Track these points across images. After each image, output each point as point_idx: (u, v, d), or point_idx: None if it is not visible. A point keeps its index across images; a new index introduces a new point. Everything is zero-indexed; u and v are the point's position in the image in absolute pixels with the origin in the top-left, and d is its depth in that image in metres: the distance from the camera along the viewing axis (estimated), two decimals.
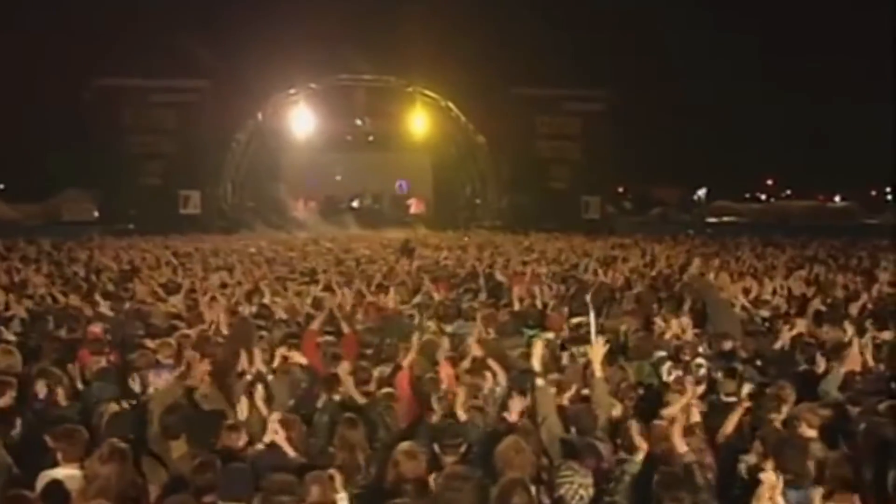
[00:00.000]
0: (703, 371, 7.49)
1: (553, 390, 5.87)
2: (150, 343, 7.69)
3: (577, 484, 4.09)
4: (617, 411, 5.81)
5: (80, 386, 6.78)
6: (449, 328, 9.41)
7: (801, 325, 9.17)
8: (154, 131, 35.06)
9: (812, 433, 5.63)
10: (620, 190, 61.31)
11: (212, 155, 35.44)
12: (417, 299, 10.95)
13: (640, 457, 4.30)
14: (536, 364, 5.75)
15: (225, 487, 3.92)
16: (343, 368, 5.50)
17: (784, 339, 7.98)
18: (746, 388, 6.71)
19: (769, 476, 3.78)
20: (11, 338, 8.11)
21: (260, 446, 4.76)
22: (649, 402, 6.76)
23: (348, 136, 38.05)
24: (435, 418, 5.60)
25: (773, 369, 7.34)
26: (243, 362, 6.56)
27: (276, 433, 4.70)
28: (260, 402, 5.35)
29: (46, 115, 36.00)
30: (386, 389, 6.40)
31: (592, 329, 6.78)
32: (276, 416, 4.82)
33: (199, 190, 35.75)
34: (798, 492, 4.29)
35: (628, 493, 4.06)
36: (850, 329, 8.55)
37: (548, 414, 5.38)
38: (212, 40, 33.29)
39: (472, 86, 34.40)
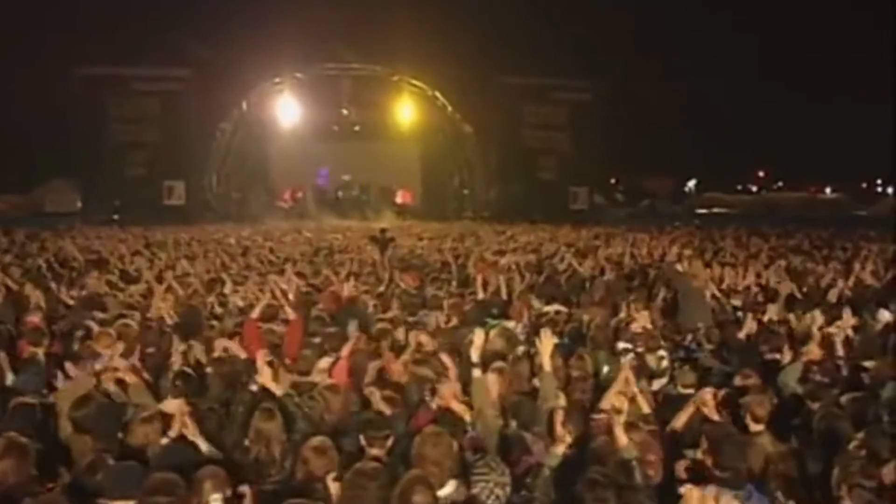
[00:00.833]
0: (665, 362, 7.25)
1: (494, 381, 5.58)
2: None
3: (493, 483, 3.83)
4: (562, 403, 5.52)
5: (9, 377, 6.46)
6: (412, 318, 9.18)
7: (772, 313, 8.96)
8: (137, 121, 34.65)
9: (758, 427, 5.38)
10: (612, 181, 61.33)
11: (196, 145, 35.01)
12: (381, 288, 10.67)
13: (560, 450, 4.00)
14: (474, 355, 5.47)
15: (111, 486, 3.64)
16: (260, 356, 5.21)
17: (749, 327, 7.70)
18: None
19: (691, 493, 3.50)
20: None
21: (165, 440, 4.47)
22: (602, 394, 6.56)
23: (334, 126, 37.64)
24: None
25: (736, 359, 7.06)
26: (177, 352, 6.27)
27: (185, 426, 4.42)
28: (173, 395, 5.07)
29: (28, 105, 35.50)
30: (328, 381, 6.14)
31: None
32: (180, 407, 4.53)
33: (184, 180, 35.37)
34: (733, 493, 4.02)
35: (546, 488, 3.78)
36: (819, 318, 8.35)
37: (483, 406, 5.10)
38: (196, 28, 32.90)
39: (459, 75, 34.03)
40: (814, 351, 6.41)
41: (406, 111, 35.88)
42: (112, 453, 4.45)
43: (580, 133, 36.53)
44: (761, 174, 67.44)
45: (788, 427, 5.39)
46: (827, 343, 7.26)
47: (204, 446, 4.48)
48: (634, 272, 12.51)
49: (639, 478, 3.80)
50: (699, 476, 4.19)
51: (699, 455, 4.68)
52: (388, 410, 4.80)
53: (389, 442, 4.49)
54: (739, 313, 9.59)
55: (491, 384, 5.62)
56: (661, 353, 7.34)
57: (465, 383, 5.77)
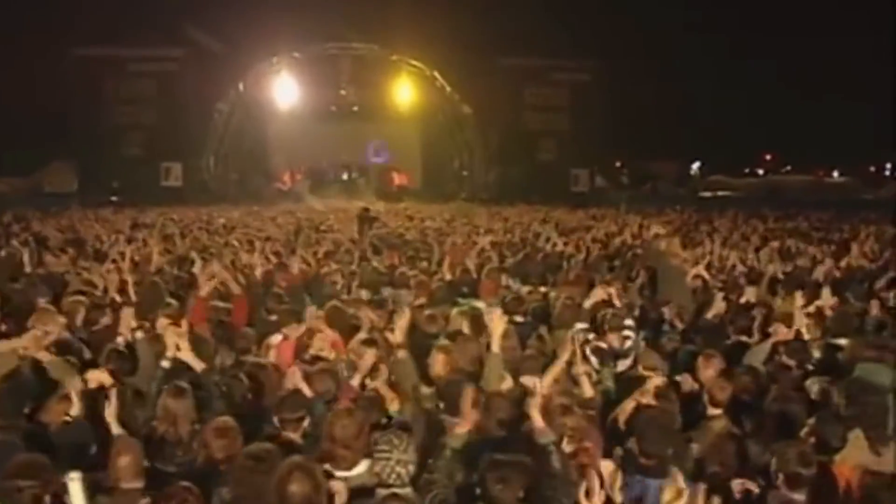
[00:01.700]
0: (629, 343, 6.94)
1: (438, 361, 5.32)
2: None
3: (395, 461, 3.56)
4: (508, 385, 5.24)
5: None
6: (377, 296, 8.93)
7: (750, 295, 8.66)
8: (134, 102, 34.45)
9: (716, 411, 5.10)
10: (618, 164, 60.81)
11: (193, 126, 34.75)
12: (353, 267, 10.39)
13: (463, 430, 3.71)
14: (398, 335, 5.22)
15: None
16: (174, 332, 4.94)
17: (718, 308, 7.39)
18: None
19: (606, 466, 3.24)
20: None
21: (67, 418, 4.23)
22: None
23: (332, 107, 37.23)
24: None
25: (701, 340, 6.76)
26: (122, 328, 6.03)
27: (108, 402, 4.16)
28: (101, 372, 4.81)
29: (25, 87, 35.22)
30: (267, 359, 5.90)
31: None
32: (77, 384, 4.29)
33: (181, 162, 35.15)
34: (648, 481, 3.75)
35: (447, 469, 3.49)
36: (800, 299, 8.04)
37: (407, 388, 4.84)
38: (191, 8, 32.54)
39: (457, 55, 33.57)
40: (781, 331, 6.10)
41: (405, 92, 35.44)
42: (18, 431, 4.24)
43: (581, 115, 36.06)
44: (768, 157, 66.64)
45: (744, 412, 5.10)
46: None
47: (114, 426, 4.24)
48: (618, 252, 12.19)
49: (555, 463, 3.51)
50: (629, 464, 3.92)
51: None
52: (308, 390, 4.51)
53: (305, 423, 4.22)
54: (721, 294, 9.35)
55: (434, 363, 5.36)
56: (627, 332, 7.04)
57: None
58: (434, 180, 39.34)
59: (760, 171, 66.30)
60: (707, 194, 46.99)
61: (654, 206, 27.99)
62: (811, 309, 7.63)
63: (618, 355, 6.74)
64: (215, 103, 35.07)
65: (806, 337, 6.67)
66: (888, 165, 60.18)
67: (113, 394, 4.27)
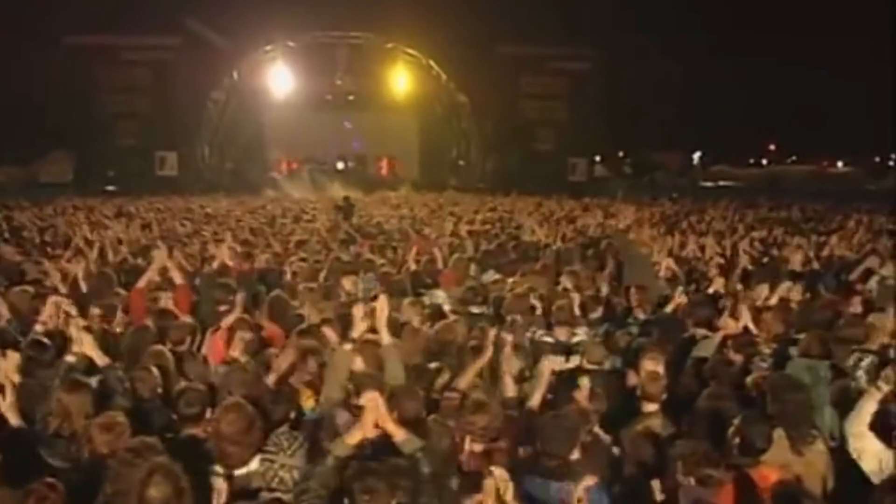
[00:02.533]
0: (577, 338, 6.72)
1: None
2: None
3: (279, 464, 3.37)
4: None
5: None
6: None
7: (718, 285, 8.45)
8: (128, 90, 34.27)
9: (652, 407, 4.90)
10: (621, 154, 60.41)
11: (188, 115, 34.58)
12: (319, 257, 10.21)
13: (354, 439, 3.41)
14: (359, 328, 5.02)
15: None
16: (76, 324, 4.77)
17: (678, 300, 7.17)
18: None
19: (496, 473, 3.04)
20: None
21: None
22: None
23: (328, 96, 36.98)
24: None
25: (657, 332, 6.55)
26: (44, 317, 5.86)
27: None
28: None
29: (20, 77, 35.06)
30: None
31: None
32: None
33: (176, 151, 35.01)
34: (550, 483, 3.56)
35: (324, 479, 3.27)
36: (765, 290, 7.83)
37: (330, 380, 4.65)
38: None
39: (453, 43, 33.23)
40: (730, 325, 5.88)
41: (401, 80, 35.18)
42: None
43: (579, 104, 35.71)
44: (772, 148, 66.06)
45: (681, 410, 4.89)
46: (755, 316, 6.78)
47: (13, 418, 4.08)
48: (595, 241, 11.97)
49: (424, 469, 3.30)
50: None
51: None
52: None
53: (206, 417, 4.04)
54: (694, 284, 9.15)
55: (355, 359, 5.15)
56: (579, 328, 6.82)
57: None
58: (432, 169, 39.09)
59: (764, 162, 65.86)
60: (709, 184, 46.66)
61: (650, 196, 27.72)
62: (773, 301, 7.44)
63: (569, 350, 6.56)
64: (210, 92, 34.86)
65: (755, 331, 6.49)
66: (893, 156, 59.54)
67: (8, 387, 4.10)
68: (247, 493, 3.43)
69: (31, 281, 8.37)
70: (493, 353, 5.81)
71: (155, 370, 4.62)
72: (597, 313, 7.73)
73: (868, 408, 4.14)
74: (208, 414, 4.06)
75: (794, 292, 7.45)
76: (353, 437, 3.32)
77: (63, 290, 7.41)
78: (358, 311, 5.06)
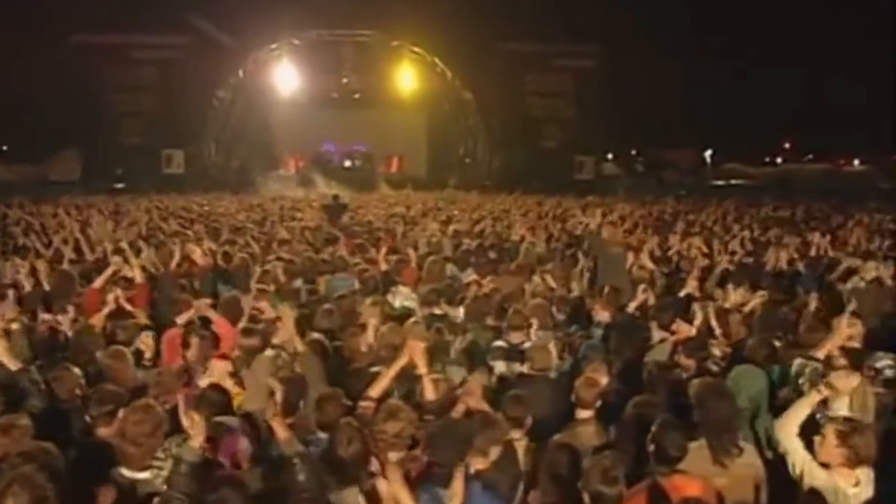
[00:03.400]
0: (530, 342, 6.55)
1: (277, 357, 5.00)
2: None
3: (167, 470, 3.28)
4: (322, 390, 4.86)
5: None
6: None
7: (691, 288, 8.27)
8: (135, 89, 34.43)
9: (586, 413, 4.74)
10: (633, 152, 59.98)
11: (195, 113, 34.67)
12: (297, 256, 10.11)
13: (195, 443, 3.34)
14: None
15: None
16: None
17: (640, 301, 7.00)
18: None
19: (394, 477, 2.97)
20: None
21: None
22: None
23: (334, 94, 36.93)
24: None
25: (615, 336, 6.39)
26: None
27: None
28: None
29: (29, 75, 35.31)
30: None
31: None
32: None
33: (183, 149, 35.12)
34: (438, 490, 3.43)
35: (181, 484, 3.17)
36: (732, 293, 7.66)
37: (250, 386, 4.55)
38: None
39: (458, 41, 33.04)
40: (682, 328, 5.71)
41: (407, 78, 35.07)
42: None
43: (585, 101, 35.44)
44: (787, 145, 65.23)
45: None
46: (721, 320, 6.62)
47: None
48: (577, 241, 11.79)
49: (300, 476, 3.21)
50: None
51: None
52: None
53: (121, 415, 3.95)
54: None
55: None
56: (537, 332, 6.65)
57: None
58: (439, 167, 38.96)
59: (779, 160, 65.05)
60: (720, 182, 46.15)
61: (654, 194, 27.43)
62: (744, 303, 7.27)
63: (522, 354, 6.39)
64: (215, 90, 34.93)
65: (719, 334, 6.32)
66: None
67: None
68: (148, 498, 3.33)
69: None
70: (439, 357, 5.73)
71: (76, 370, 4.54)
72: (563, 315, 7.59)
73: (801, 411, 3.97)
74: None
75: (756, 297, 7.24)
76: (196, 440, 3.26)
77: (28, 288, 7.37)
78: (288, 314, 4.97)
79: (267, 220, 15.27)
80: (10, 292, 7.22)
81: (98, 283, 6.90)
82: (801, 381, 4.71)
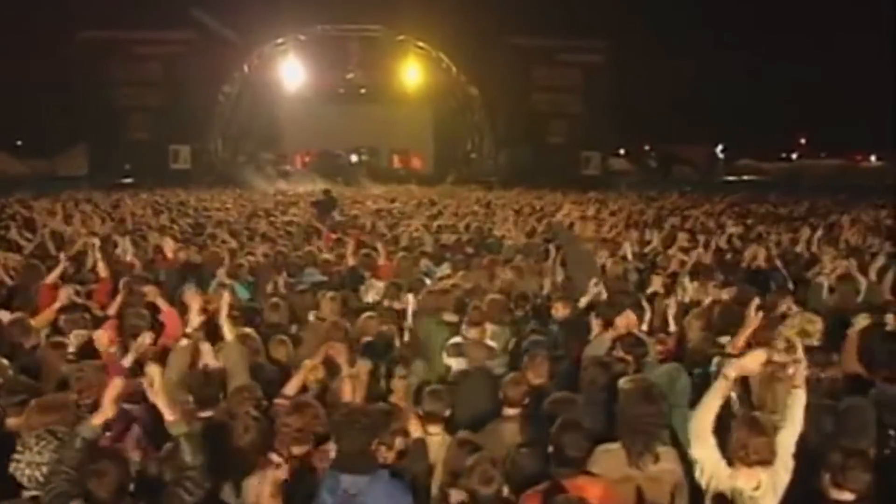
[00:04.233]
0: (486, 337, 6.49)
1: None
2: None
3: (25, 462, 3.25)
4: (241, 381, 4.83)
5: None
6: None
7: (657, 285, 8.17)
8: (141, 84, 34.60)
9: (511, 411, 4.68)
10: (647, 148, 59.59)
11: (201, 108, 34.81)
12: (271, 251, 10.10)
13: (99, 420, 3.34)
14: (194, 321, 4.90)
15: None
16: None
17: (591, 295, 6.91)
18: None
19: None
20: None
21: None
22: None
23: (340, 89, 36.97)
24: None
25: (562, 333, 6.31)
26: None
27: None
28: None
29: (35, 71, 35.65)
30: None
31: None
32: None
33: (189, 144, 35.30)
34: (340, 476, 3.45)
35: (76, 459, 3.16)
36: (689, 288, 7.56)
37: (168, 376, 4.53)
38: None
39: (464, 35, 32.95)
40: (619, 324, 5.60)
41: (412, 73, 35.02)
42: None
43: (592, 96, 35.19)
44: (802, 141, 64.52)
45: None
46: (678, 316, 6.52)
47: None
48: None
49: (186, 457, 3.24)
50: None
51: None
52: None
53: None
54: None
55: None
56: (493, 328, 6.58)
57: None
58: (446, 162, 38.89)
59: (794, 156, 64.33)
60: (731, 178, 45.69)
61: (656, 190, 27.23)
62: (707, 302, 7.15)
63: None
64: (221, 86, 35.06)
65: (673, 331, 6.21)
66: None
67: None
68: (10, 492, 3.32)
69: None
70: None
71: (3, 361, 4.56)
72: (522, 311, 7.51)
73: (712, 404, 3.80)
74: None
75: (725, 293, 7.12)
76: (98, 418, 3.25)
77: None
78: (195, 303, 4.95)
79: (255, 216, 15.28)
80: None
81: (51, 278, 6.92)
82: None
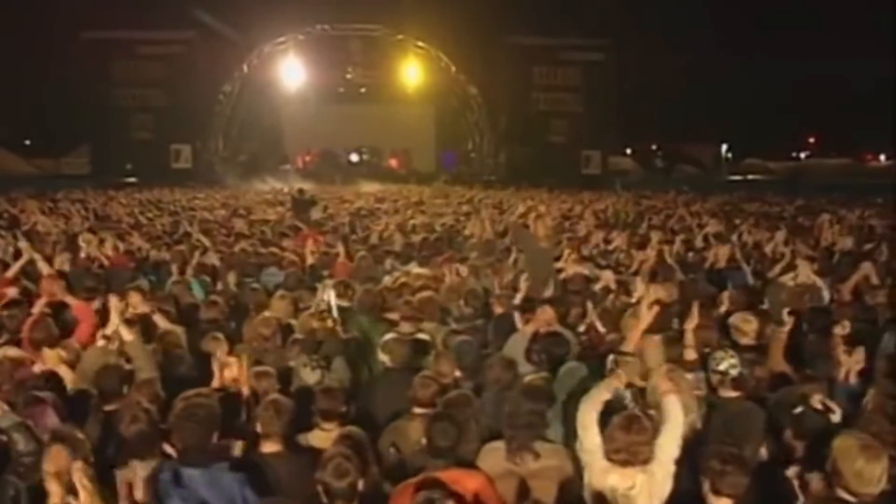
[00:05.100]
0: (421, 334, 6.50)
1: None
2: None
3: None
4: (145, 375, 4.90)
5: None
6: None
7: (607, 280, 8.17)
8: (143, 85, 34.87)
9: (419, 410, 4.68)
10: (654, 147, 59.36)
11: (202, 108, 35.05)
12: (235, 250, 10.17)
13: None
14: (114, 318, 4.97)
15: None
16: None
17: (522, 292, 6.93)
18: None
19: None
20: None
21: None
22: None
23: (340, 88, 37.14)
24: None
25: (492, 331, 6.33)
26: None
27: None
28: None
29: (39, 71, 36.03)
30: None
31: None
32: None
33: (191, 144, 35.53)
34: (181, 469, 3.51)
35: None
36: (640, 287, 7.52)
37: (81, 376, 4.64)
38: None
39: (464, 34, 33.01)
40: (538, 320, 5.61)
41: (411, 73, 35.09)
42: None
43: (593, 95, 35.10)
44: (811, 140, 64.10)
45: None
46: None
47: None
48: None
49: (19, 445, 3.41)
50: None
51: None
52: None
53: None
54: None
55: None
56: (430, 325, 6.59)
57: None
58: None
59: (803, 155, 63.88)
60: (737, 178, 45.41)
61: (653, 189, 27.11)
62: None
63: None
64: (222, 85, 35.29)
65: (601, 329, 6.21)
66: None
67: None
68: None
69: None
70: None
71: None
72: (471, 309, 7.51)
73: (598, 397, 3.84)
74: None
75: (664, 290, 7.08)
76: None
77: None
78: (115, 307, 5.02)
79: (236, 215, 15.39)
80: None
81: (10, 272, 7.08)
82: None
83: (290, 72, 35.12)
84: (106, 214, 14.98)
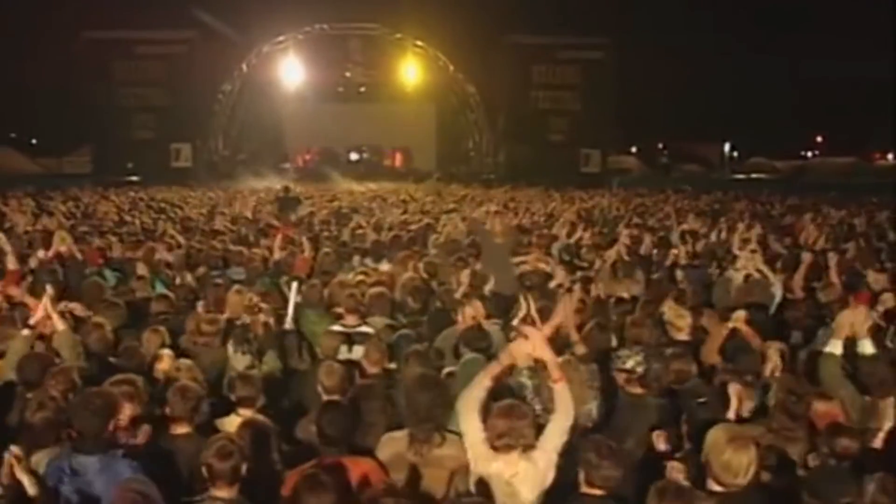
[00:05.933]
0: (365, 328, 6.57)
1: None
2: None
3: None
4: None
5: None
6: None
7: (560, 277, 8.24)
8: (143, 84, 35.07)
9: (328, 397, 4.76)
10: (660, 146, 59.17)
11: (202, 107, 35.23)
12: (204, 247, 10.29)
13: None
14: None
15: None
16: None
17: (462, 288, 6.98)
18: None
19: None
20: None
21: None
22: None
23: (339, 87, 37.27)
24: None
25: (426, 326, 6.40)
26: None
27: None
28: None
29: (39, 71, 36.27)
30: None
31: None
32: None
33: (191, 143, 35.72)
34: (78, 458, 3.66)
35: None
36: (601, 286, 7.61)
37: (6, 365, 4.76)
38: None
39: (463, 33, 33.04)
40: (466, 315, 5.67)
41: (410, 72, 35.17)
42: None
43: (592, 94, 35.06)
44: (819, 139, 63.64)
45: None
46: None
47: None
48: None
49: None
50: None
51: None
52: None
53: None
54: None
55: None
56: (378, 320, 6.67)
57: None
58: (448, 161, 38.96)
59: (809, 154, 63.46)
60: (741, 176, 45.21)
61: (647, 187, 27.10)
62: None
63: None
64: (222, 84, 35.48)
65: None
66: None
67: None
68: None
69: None
70: None
71: None
72: (419, 304, 7.58)
73: (482, 384, 3.86)
74: None
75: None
76: None
77: None
78: (46, 301, 5.14)
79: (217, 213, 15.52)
80: None
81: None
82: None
83: (290, 71, 35.25)
84: (93, 212, 15.13)
